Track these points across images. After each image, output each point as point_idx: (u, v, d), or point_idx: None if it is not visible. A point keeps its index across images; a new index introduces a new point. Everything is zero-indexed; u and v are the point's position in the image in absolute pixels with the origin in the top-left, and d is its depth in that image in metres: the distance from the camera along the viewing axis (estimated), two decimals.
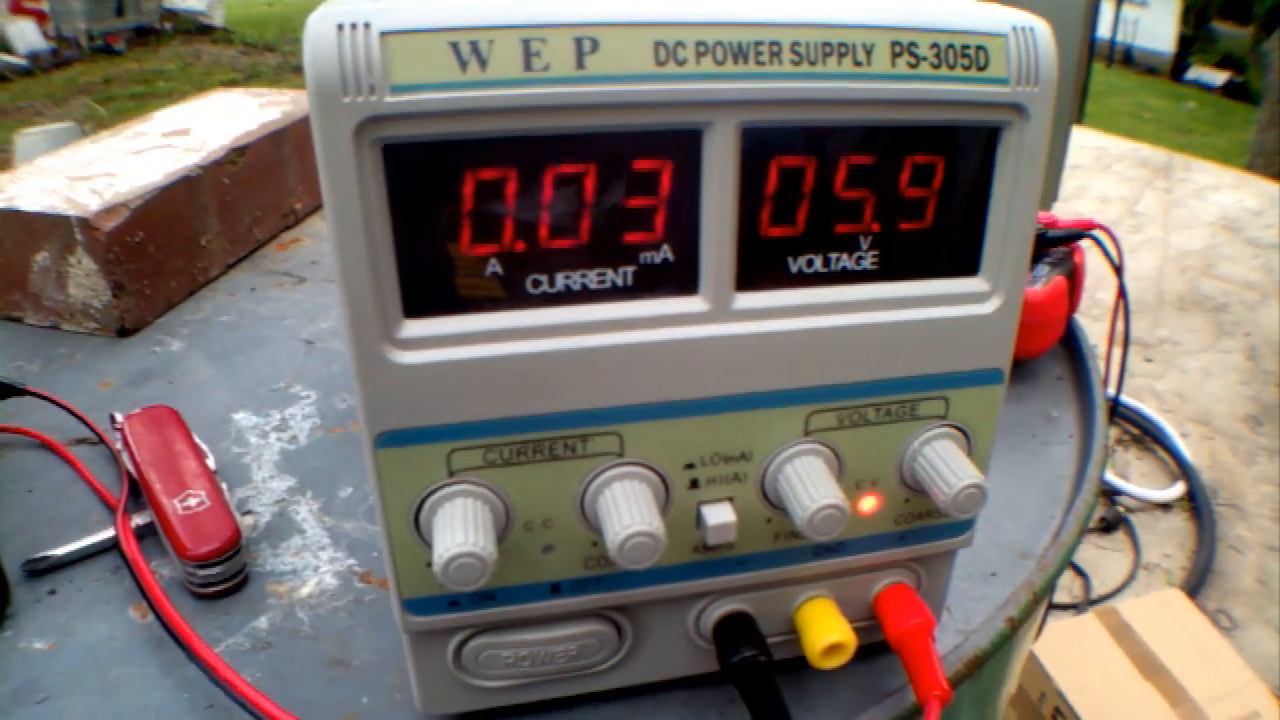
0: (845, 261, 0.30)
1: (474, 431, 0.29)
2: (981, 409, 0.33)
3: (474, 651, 0.33)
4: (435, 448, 0.29)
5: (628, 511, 0.29)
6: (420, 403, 0.28)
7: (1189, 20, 6.80)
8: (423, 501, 0.29)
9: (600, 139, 0.26)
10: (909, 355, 0.31)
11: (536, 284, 0.28)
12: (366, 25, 0.24)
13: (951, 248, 0.31)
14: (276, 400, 0.57)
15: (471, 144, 0.25)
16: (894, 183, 0.29)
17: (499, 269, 0.27)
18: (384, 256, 0.26)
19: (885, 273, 0.30)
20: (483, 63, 0.24)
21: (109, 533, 0.45)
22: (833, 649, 0.34)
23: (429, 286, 0.27)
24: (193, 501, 0.44)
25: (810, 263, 0.29)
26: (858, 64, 0.27)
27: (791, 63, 0.26)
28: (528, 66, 0.25)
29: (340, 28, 0.24)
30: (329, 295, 0.71)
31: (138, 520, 0.45)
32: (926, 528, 0.35)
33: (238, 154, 0.74)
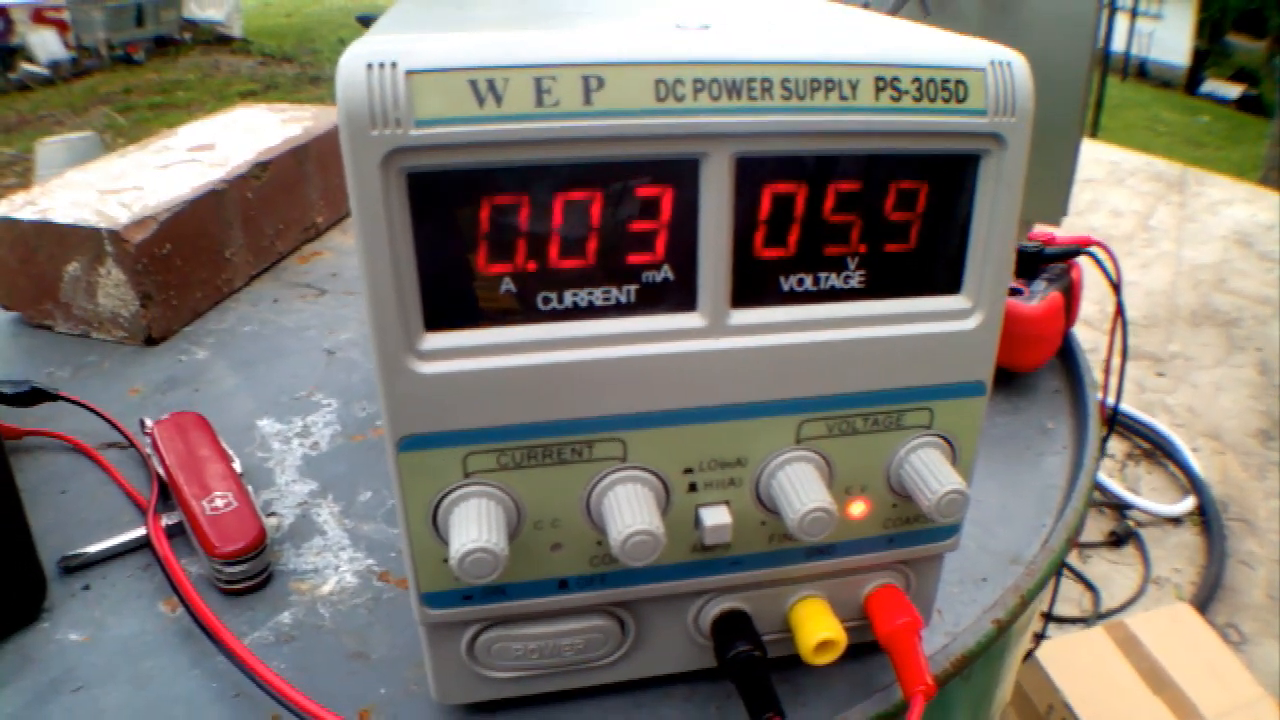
0: (834, 281, 0.32)
1: (488, 436, 0.31)
2: (965, 419, 0.35)
3: (486, 644, 0.35)
4: (452, 451, 0.31)
5: (630, 512, 0.31)
6: (439, 409, 0.30)
7: (1204, 34, 6.79)
8: (440, 501, 0.31)
9: (606, 168, 0.28)
10: (895, 368, 0.33)
11: (547, 301, 0.30)
12: (394, 64, 0.26)
13: (934, 267, 0.32)
14: (299, 408, 0.60)
15: (488, 172, 0.27)
16: (879, 207, 0.31)
17: (513, 287, 0.29)
18: (407, 274, 0.28)
19: (872, 291, 0.32)
20: (498, 99, 0.27)
21: (140, 531, 0.47)
22: (824, 645, 0.35)
23: (448, 302, 0.29)
24: (220, 503, 0.46)
25: (801, 282, 0.31)
26: (844, 98, 0.29)
27: (782, 97, 0.28)
28: (539, 102, 0.27)
29: (370, 66, 0.26)
30: (349, 307, 0.73)
31: (167, 520, 0.47)
32: (914, 532, 0.37)
33: (261, 169, 0.76)
